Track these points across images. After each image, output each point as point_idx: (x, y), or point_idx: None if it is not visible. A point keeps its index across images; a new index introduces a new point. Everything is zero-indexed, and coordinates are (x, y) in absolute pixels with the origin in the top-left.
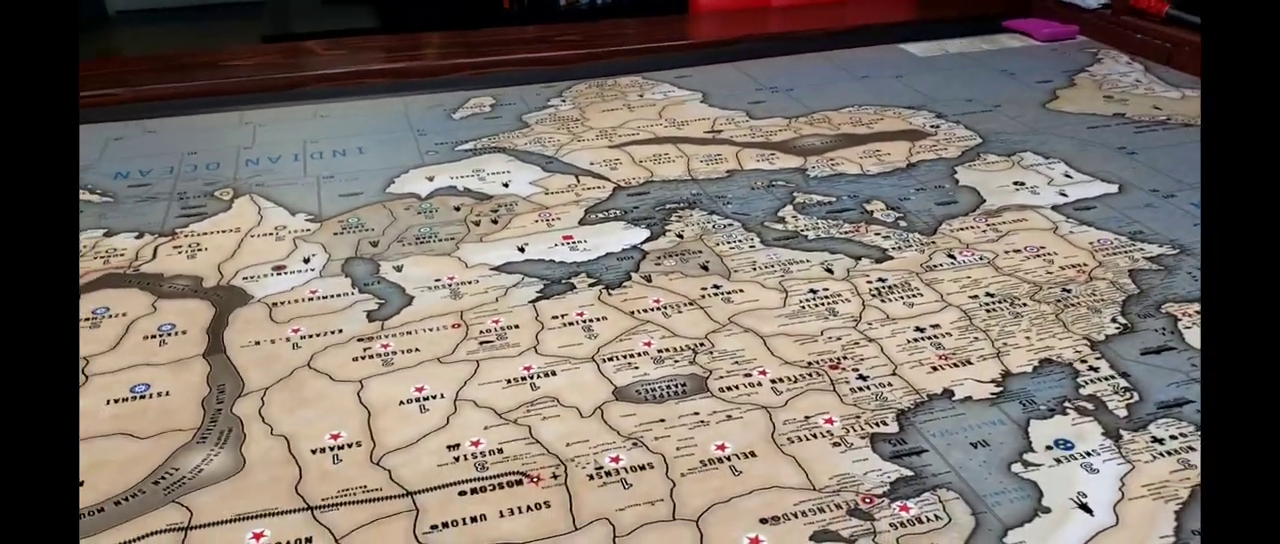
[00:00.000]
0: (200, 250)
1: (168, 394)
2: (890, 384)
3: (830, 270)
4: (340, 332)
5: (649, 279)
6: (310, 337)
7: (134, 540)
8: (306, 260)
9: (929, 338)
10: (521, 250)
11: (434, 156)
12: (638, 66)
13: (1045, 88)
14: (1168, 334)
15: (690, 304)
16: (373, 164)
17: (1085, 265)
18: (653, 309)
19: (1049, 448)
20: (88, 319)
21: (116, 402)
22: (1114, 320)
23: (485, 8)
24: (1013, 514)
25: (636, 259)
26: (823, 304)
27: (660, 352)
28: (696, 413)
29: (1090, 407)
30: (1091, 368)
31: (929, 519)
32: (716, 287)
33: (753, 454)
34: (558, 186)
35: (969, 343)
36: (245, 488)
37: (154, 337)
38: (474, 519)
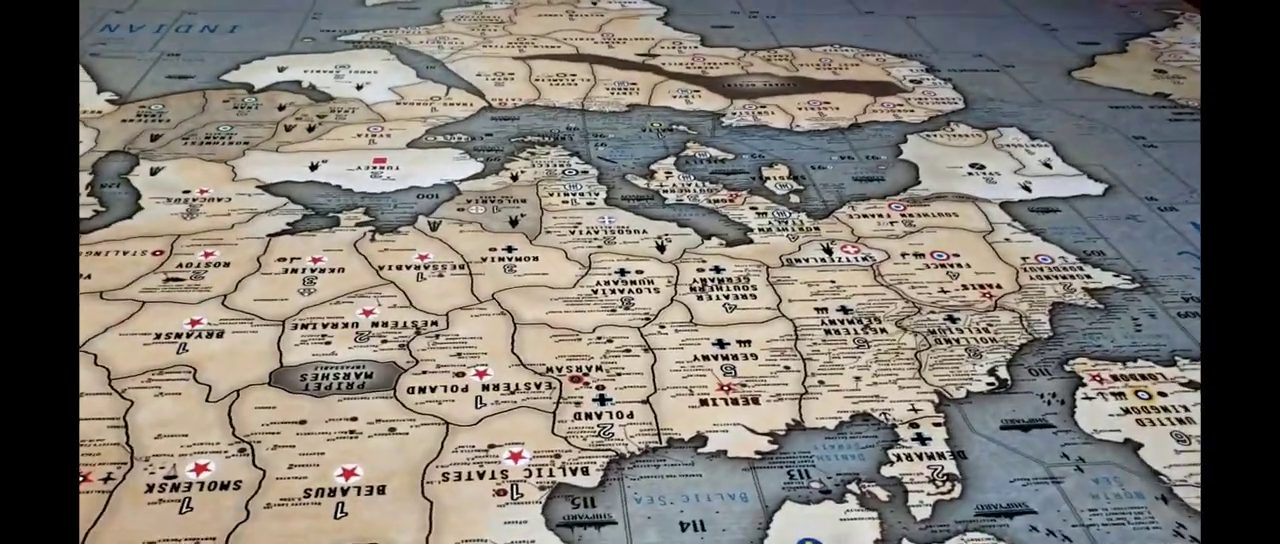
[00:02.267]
0: None
1: None
2: (631, 415)
3: (662, 247)
4: None
5: (434, 227)
6: None
7: None
8: None
9: (725, 357)
10: (313, 168)
11: (307, 45)
12: None
13: (1084, 51)
14: (1053, 403)
15: (460, 267)
16: (231, 45)
17: (996, 288)
18: (407, 268)
19: None
20: None
21: None
22: (991, 372)
23: None
24: None
25: (439, 200)
26: (621, 290)
27: (373, 327)
28: (354, 418)
29: (884, 496)
30: (920, 436)
31: None
32: (510, 249)
33: (381, 490)
34: (417, 97)
35: (773, 373)
36: None
37: None
38: None
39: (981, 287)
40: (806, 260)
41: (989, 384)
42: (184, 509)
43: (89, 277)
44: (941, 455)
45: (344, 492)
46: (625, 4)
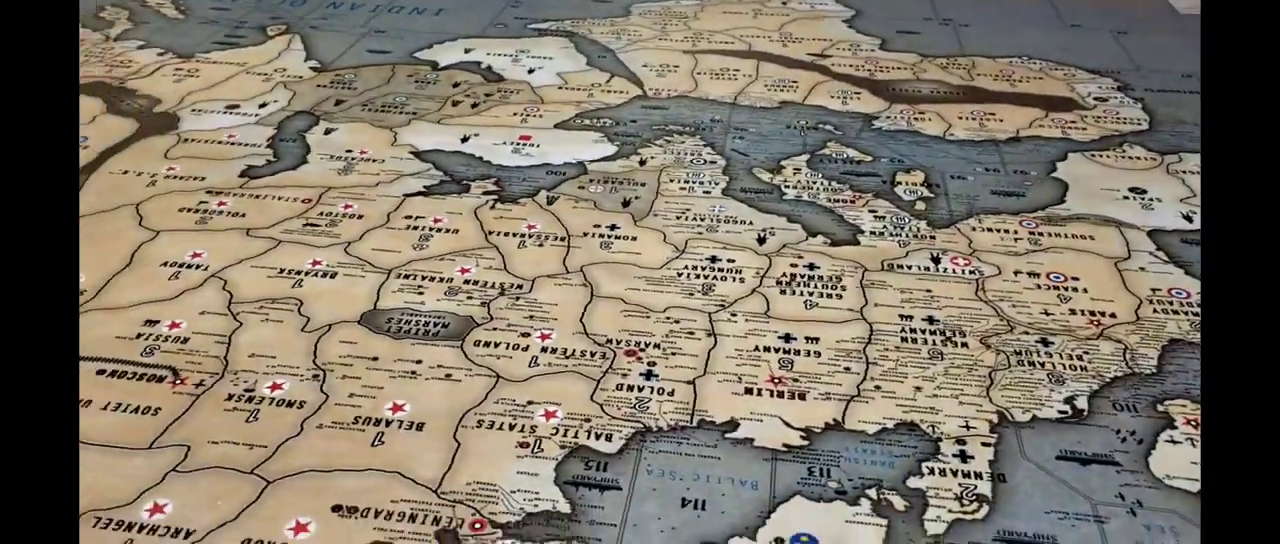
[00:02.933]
0: (190, 77)
1: None
2: (671, 393)
3: (762, 240)
4: (202, 179)
5: (551, 202)
6: (174, 177)
7: None
8: (263, 105)
9: (787, 351)
10: (464, 140)
11: (497, 30)
12: None
13: None
14: (1129, 441)
15: (561, 239)
16: (431, 27)
17: (1109, 317)
18: (513, 235)
19: (778, 541)
20: None
21: None
22: (1069, 401)
23: None
24: None
25: (565, 177)
26: (706, 276)
27: (464, 284)
28: (419, 361)
29: (901, 505)
30: (962, 454)
31: None
32: (613, 227)
33: (419, 427)
34: (579, 83)
35: (831, 372)
36: None
37: None
38: (80, 403)
39: (1092, 313)
40: (909, 267)
41: (1061, 412)
42: (250, 419)
43: (243, 215)
44: (978, 475)
45: (387, 424)
46: (815, 5)
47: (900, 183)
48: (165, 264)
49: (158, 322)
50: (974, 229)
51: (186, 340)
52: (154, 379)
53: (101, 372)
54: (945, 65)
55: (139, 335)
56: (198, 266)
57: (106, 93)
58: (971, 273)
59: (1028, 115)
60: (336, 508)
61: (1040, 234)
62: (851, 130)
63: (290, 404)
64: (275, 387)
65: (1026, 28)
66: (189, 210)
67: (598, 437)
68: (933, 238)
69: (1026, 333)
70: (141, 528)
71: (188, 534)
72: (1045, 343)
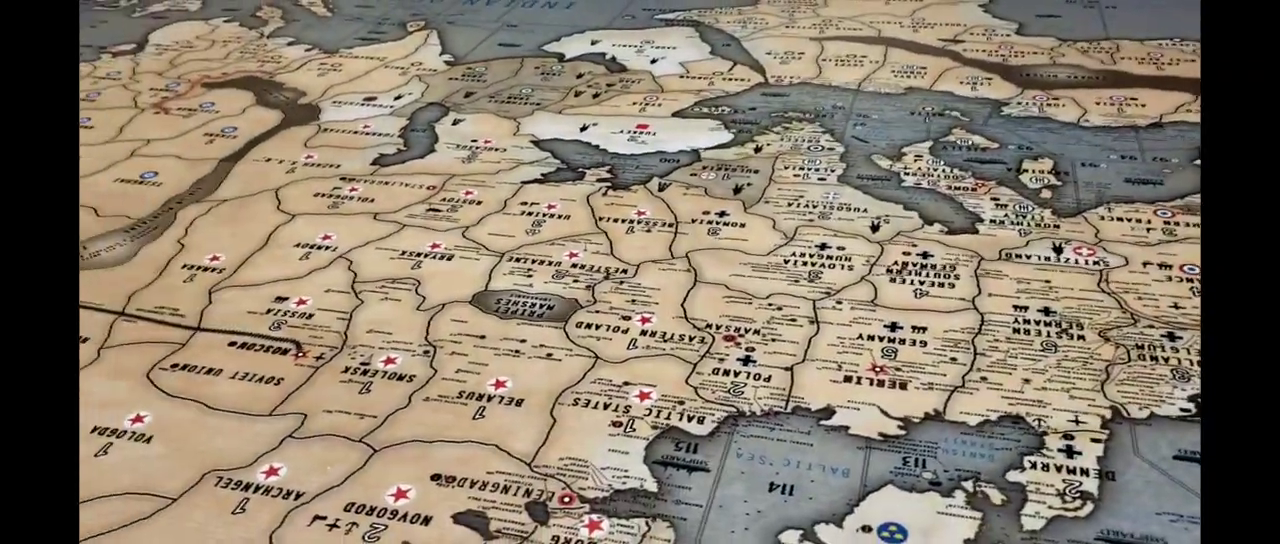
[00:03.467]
0: (333, 71)
1: (159, 182)
2: (768, 379)
3: (876, 227)
4: (337, 167)
5: (662, 188)
6: (312, 164)
7: None
8: (398, 97)
9: (893, 340)
10: (583, 129)
11: (625, 21)
12: None
13: None
14: None
15: (669, 226)
16: (561, 20)
17: None
18: (623, 221)
19: (866, 528)
20: (192, 110)
21: (119, 179)
22: (1192, 399)
23: None
24: None
25: (678, 164)
26: (814, 264)
27: (572, 267)
28: (523, 340)
29: (998, 499)
30: (1069, 449)
31: None
32: (722, 213)
33: (518, 402)
34: (701, 72)
35: (936, 362)
36: (137, 276)
37: (214, 135)
38: (211, 371)
39: None
40: (1029, 257)
41: (1183, 410)
42: (363, 391)
43: (372, 200)
44: (1085, 472)
45: (489, 399)
46: None
47: (1027, 170)
48: (298, 245)
49: (287, 298)
50: (1102, 218)
51: (311, 316)
52: (279, 351)
53: (232, 343)
54: (1086, 49)
55: (268, 311)
56: (327, 248)
57: (257, 86)
58: (1096, 263)
59: (1174, 100)
60: (435, 476)
61: (1176, 224)
62: (979, 117)
63: (401, 377)
64: (388, 361)
65: (1180, 8)
66: (323, 195)
67: (690, 419)
68: (1057, 227)
69: (1152, 326)
70: (257, 488)
71: (298, 496)
72: (1172, 337)
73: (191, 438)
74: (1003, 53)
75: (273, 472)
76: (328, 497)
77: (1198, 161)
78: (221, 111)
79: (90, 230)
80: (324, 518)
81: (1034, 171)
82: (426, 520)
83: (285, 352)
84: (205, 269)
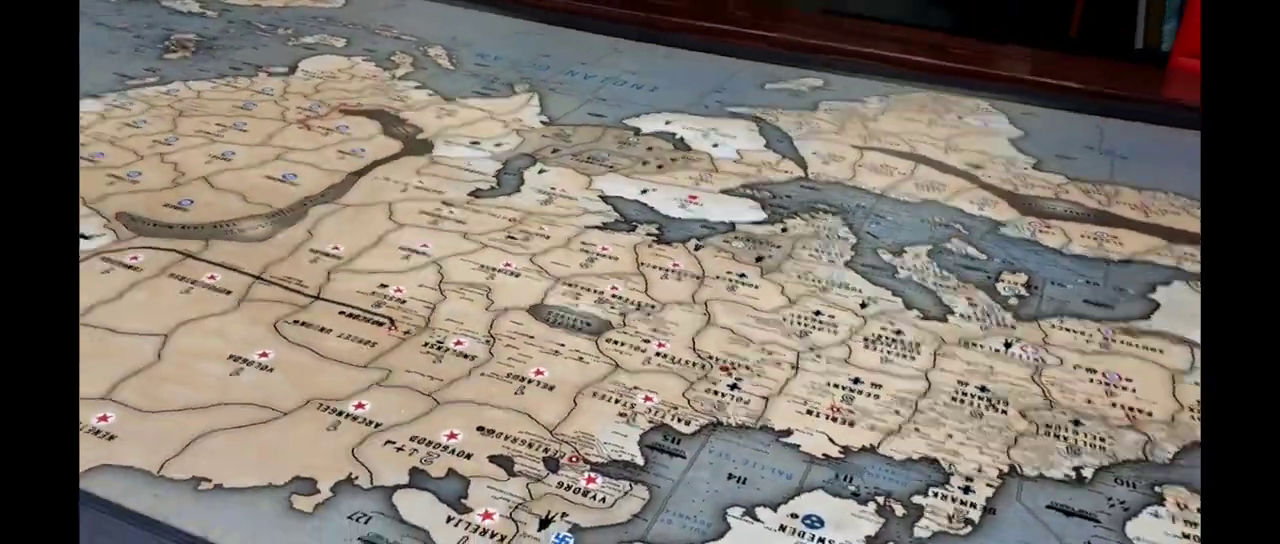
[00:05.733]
0: (449, 115)
1: (297, 183)
2: (748, 402)
3: (864, 304)
4: (441, 193)
5: (697, 248)
6: (421, 188)
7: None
8: (498, 145)
9: (853, 390)
10: (643, 192)
11: (699, 109)
12: (1016, 94)
13: None
14: (1116, 509)
15: (697, 277)
16: (645, 100)
17: (1146, 415)
18: (659, 268)
19: (793, 516)
20: (329, 130)
21: (266, 176)
22: (1077, 470)
23: (1053, 30)
24: None
25: (716, 231)
26: (806, 325)
27: (611, 296)
28: (562, 344)
29: (900, 511)
30: (967, 488)
31: (596, 499)
32: (742, 275)
33: (551, 388)
34: (753, 160)
35: (882, 412)
36: (273, 253)
37: (345, 152)
38: (323, 329)
39: (1131, 409)
40: (982, 346)
41: (1066, 475)
42: (436, 361)
43: (464, 223)
44: (973, 505)
45: (528, 382)
46: (988, 123)
47: (1003, 280)
48: (401, 248)
49: (387, 286)
50: (1053, 327)
51: (404, 302)
52: (376, 323)
53: (342, 312)
54: (1088, 190)
55: (372, 293)
56: (423, 254)
57: (384, 119)
58: (1035, 359)
59: (1149, 243)
60: (480, 428)
61: (1114, 340)
62: (977, 231)
63: (466, 356)
64: (458, 343)
65: (1184, 166)
66: (426, 213)
67: (679, 421)
68: (1013, 327)
69: (1063, 412)
70: (348, 416)
71: (377, 426)
72: (1077, 423)
73: (304, 373)
74: (1015, 182)
75: (361, 406)
76: (398, 429)
77: (1149, 294)
78: (353, 135)
79: (238, 212)
80: (393, 443)
81: (1009, 282)
82: (468, 456)
83: (381, 324)
84: (327, 255)
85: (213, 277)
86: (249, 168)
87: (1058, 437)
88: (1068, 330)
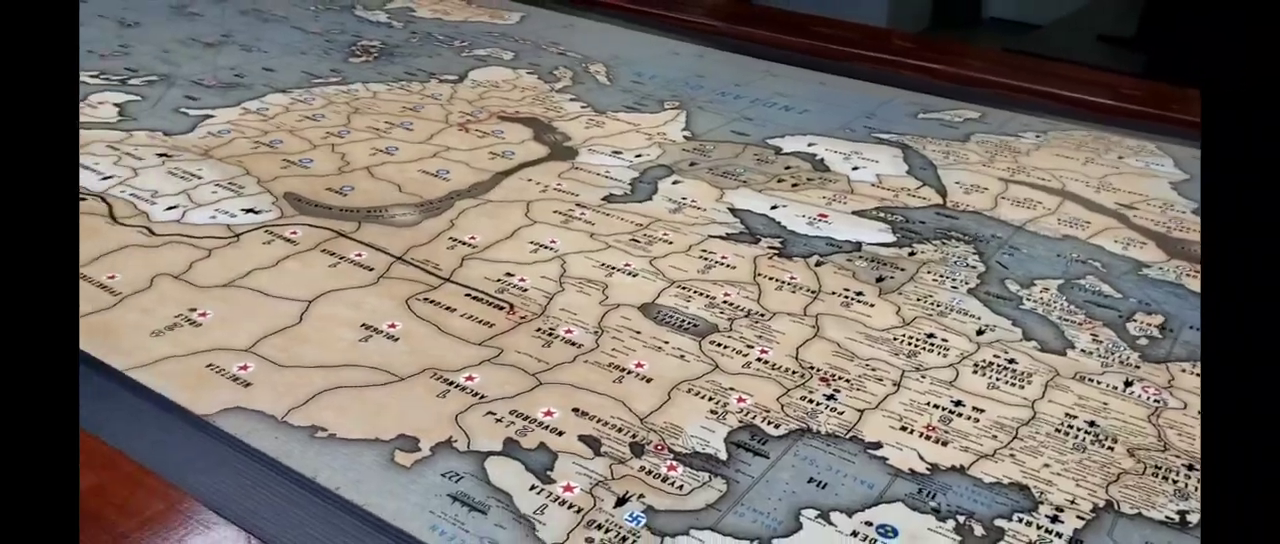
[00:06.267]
0: (597, 126)
1: (448, 179)
2: (842, 413)
3: (981, 332)
4: (577, 196)
5: (819, 264)
6: (559, 190)
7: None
8: (638, 156)
9: (952, 412)
10: (773, 208)
11: (845, 133)
12: (1189, 139)
13: None
14: None
15: (812, 291)
16: (791, 122)
17: None
18: (774, 280)
19: (868, 523)
20: (485, 134)
21: (421, 171)
22: (1182, 514)
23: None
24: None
25: (841, 250)
26: (916, 346)
27: (723, 301)
28: (666, 342)
29: (979, 532)
30: (1056, 517)
31: (679, 486)
32: (859, 293)
33: (648, 380)
34: (892, 185)
35: (979, 435)
36: (416, 238)
37: (496, 154)
38: (449, 308)
39: None
40: (1100, 382)
41: (1167, 518)
42: (546, 345)
43: (593, 224)
44: (1058, 534)
45: (629, 373)
46: (1150, 165)
47: (1136, 320)
48: (531, 242)
49: (513, 275)
50: (1183, 371)
51: (525, 290)
52: (496, 307)
53: (467, 294)
54: None
55: (497, 279)
56: (551, 249)
57: (537, 126)
58: (1156, 401)
59: None
60: (575, 409)
61: None
62: (1117, 271)
63: (573, 344)
64: (568, 331)
65: None
66: (560, 213)
67: (770, 424)
68: (1137, 367)
69: (1177, 456)
70: (457, 386)
71: (481, 397)
72: (1191, 468)
73: (424, 344)
74: (1169, 225)
75: (470, 378)
76: (500, 402)
77: None
78: (506, 139)
79: (392, 200)
80: (493, 414)
81: (1142, 322)
82: (559, 433)
83: (501, 308)
84: (464, 244)
85: (360, 254)
86: (408, 162)
87: (1166, 479)
88: (1196, 375)
